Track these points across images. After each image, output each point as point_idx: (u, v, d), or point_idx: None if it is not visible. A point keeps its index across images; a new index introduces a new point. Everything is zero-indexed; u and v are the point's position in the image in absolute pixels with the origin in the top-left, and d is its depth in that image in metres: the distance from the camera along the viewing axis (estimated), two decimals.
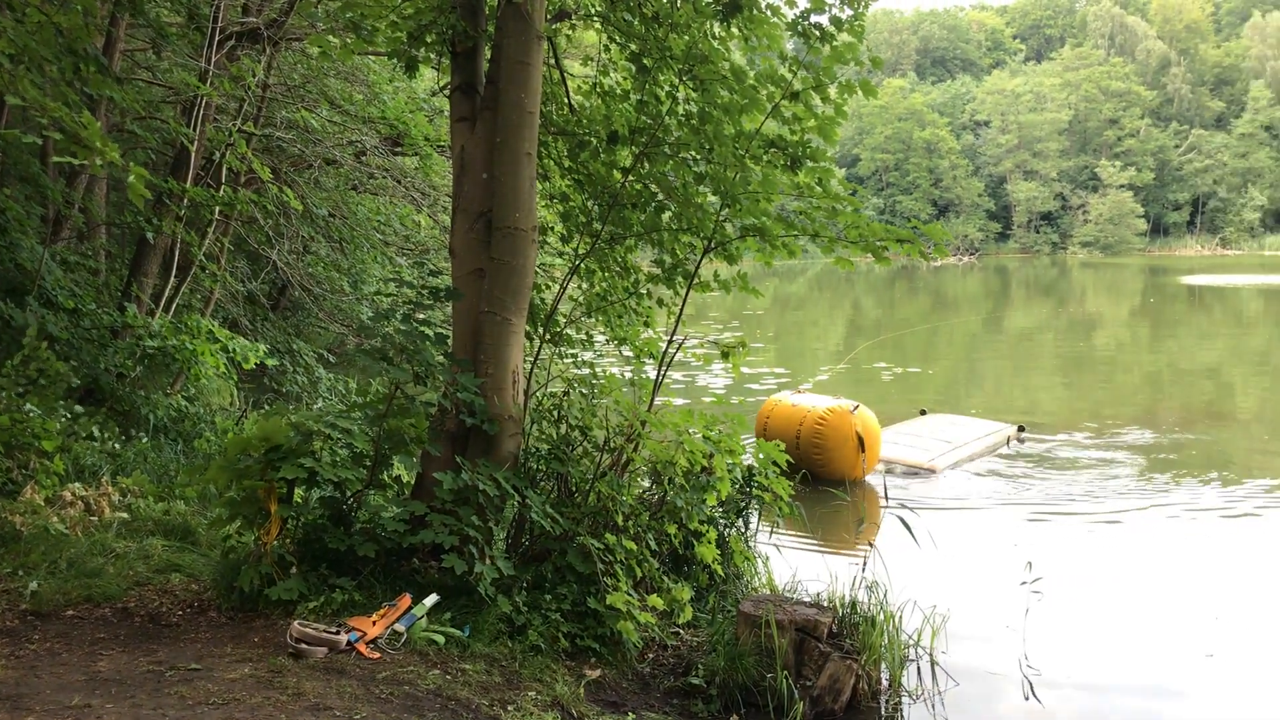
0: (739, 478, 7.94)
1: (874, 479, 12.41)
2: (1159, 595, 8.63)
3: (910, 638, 6.70)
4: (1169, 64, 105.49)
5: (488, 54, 6.95)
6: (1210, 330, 32.61)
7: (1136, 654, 7.41)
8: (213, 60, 10.68)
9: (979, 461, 13.62)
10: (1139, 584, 8.89)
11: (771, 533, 8.60)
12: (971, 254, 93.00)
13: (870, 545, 6.77)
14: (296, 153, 13.39)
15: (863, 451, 11.94)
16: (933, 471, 12.69)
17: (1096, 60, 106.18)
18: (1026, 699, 6.58)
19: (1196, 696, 6.69)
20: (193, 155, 11.03)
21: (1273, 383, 21.71)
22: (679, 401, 17.10)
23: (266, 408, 11.98)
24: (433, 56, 7.26)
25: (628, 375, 8.42)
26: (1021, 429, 15.00)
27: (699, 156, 7.27)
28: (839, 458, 12.03)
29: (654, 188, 7.62)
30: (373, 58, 12.87)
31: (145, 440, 9.69)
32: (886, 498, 7.89)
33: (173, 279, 11.58)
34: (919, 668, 6.70)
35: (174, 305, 11.61)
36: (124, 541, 6.95)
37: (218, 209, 11.45)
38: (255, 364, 10.42)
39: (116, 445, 9.21)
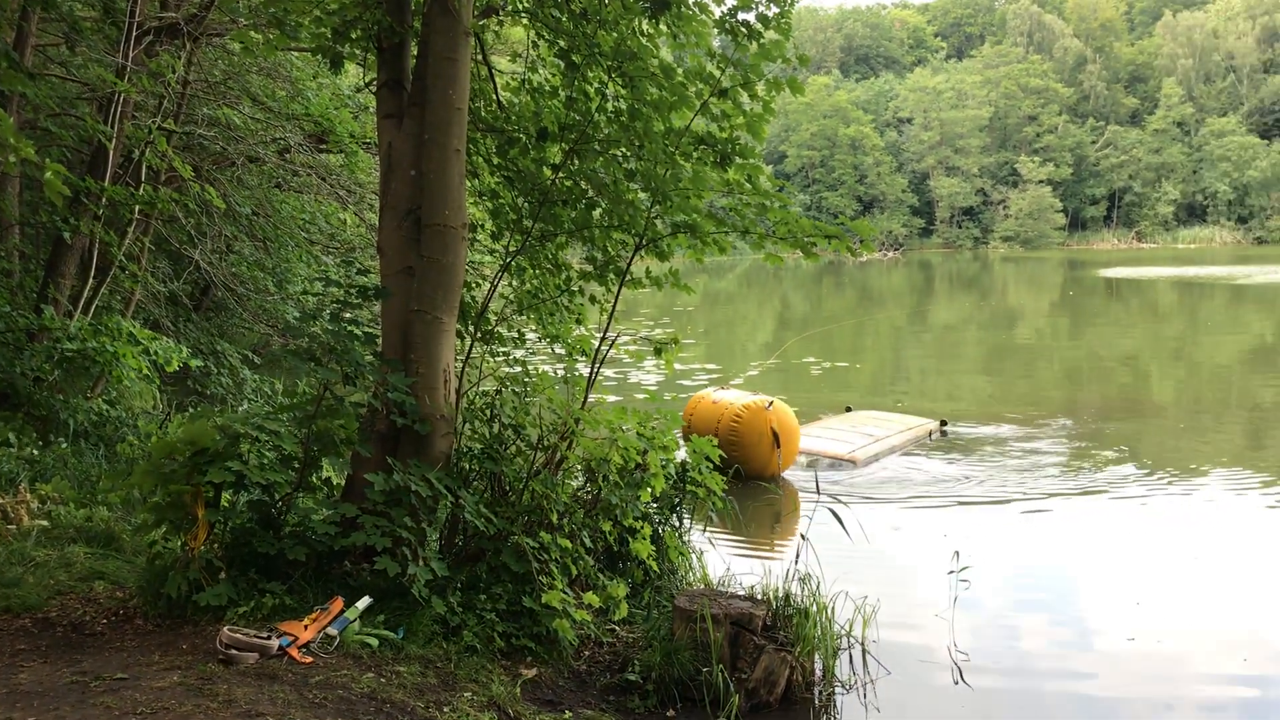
0: (673, 474, 7.97)
1: (804, 474, 12.55)
2: (1082, 581, 8.84)
3: (842, 628, 6.79)
4: (1085, 61, 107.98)
5: (415, 50, 6.88)
6: (1127, 321, 33.47)
7: (1061, 638, 7.59)
8: (130, 56, 10.42)
9: (906, 455, 13.82)
10: (1063, 571, 9.11)
11: (705, 529, 8.64)
12: (896, 249, 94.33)
13: (802, 538, 6.83)
14: (218, 150, 13.13)
15: (778, 447, 12.04)
16: (853, 463, 12.84)
17: (1015, 58, 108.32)
18: (955, 684, 6.70)
19: (1118, 678, 6.86)
20: (111, 153, 10.76)
21: (1188, 372, 22.36)
22: (612, 399, 17.12)
23: (191, 410, 11.74)
24: (358, 53, 7.17)
25: (559, 373, 8.40)
26: (944, 423, 15.24)
27: (629, 153, 7.28)
28: (755, 454, 12.13)
29: (584, 184, 7.61)
30: (296, 54, 12.67)
31: (65, 445, 9.44)
32: (819, 491, 7.96)
33: (91, 280, 11.28)
34: (851, 657, 6.79)
35: (93, 307, 11.32)
36: (44, 550, 6.77)
37: (137, 208, 11.18)
38: (178, 366, 10.20)
39: (34, 451, 8.96)
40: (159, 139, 11.02)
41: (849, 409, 15.97)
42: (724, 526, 9.55)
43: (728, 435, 12.13)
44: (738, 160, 6.92)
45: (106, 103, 11.01)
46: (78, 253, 11.25)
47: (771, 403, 12.37)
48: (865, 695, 6.46)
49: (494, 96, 8.18)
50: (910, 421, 15.00)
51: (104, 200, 10.62)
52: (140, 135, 11.14)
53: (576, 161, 7.40)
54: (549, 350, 8.88)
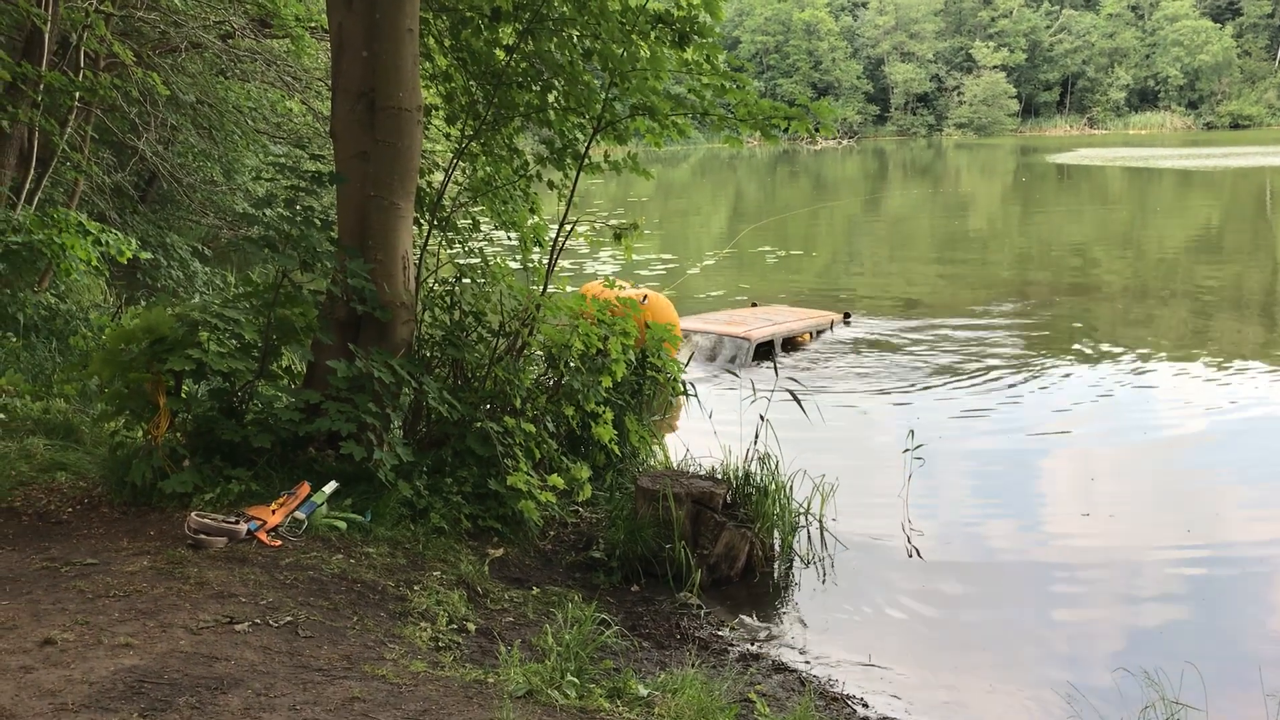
0: (633, 360, 8.03)
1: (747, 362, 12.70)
2: (1037, 459, 9.09)
3: (801, 506, 6.96)
4: None
5: None
6: (1077, 207, 33.72)
7: (1015, 513, 7.84)
8: None
9: (864, 340, 14.01)
10: (1017, 450, 9.33)
11: (665, 413, 8.75)
12: (850, 137, 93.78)
13: (761, 418, 6.94)
14: (159, 35, 12.69)
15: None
16: (747, 340, 12.98)
17: None
18: (910, 557, 6.93)
19: (1070, 549, 7.11)
20: (46, 37, 10.37)
21: (1136, 256, 22.66)
22: (570, 289, 17.06)
23: (143, 304, 11.58)
24: None
25: (514, 265, 8.35)
26: (847, 315, 15.34)
27: (585, 33, 7.14)
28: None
29: (539, 66, 7.47)
30: None
31: (15, 340, 9.30)
32: (776, 374, 8.06)
33: (33, 171, 10.97)
34: (809, 534, 6.98)
35: (36, 199, 11.04)
36: (3, 442, 6.72)
37: (77, 95, 10.84)
38: (131, 257, 10.01)
39: None
40: (97, 22, 10.62)
41: (754, 304, 15.94)
42: (685, 410, 9.67)
43: None
44: (696, 39, 6.82)
45: None
46: (17, 143, 10.91)
47: (645, 297, 12.16)
48: (823, 570, 6.67)
49: None
50: (811, 313, 15.09)
51: (41, 87, 10.27)
52: (77, 18, 10.73)
53: (530, 42, 7.26)
54: (506, 239, 8.83)
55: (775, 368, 8.29)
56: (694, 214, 36.68)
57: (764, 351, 13.11)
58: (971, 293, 17.81)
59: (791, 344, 13.80)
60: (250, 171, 16.08)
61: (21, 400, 7.60)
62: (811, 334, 14.19)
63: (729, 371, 11.88)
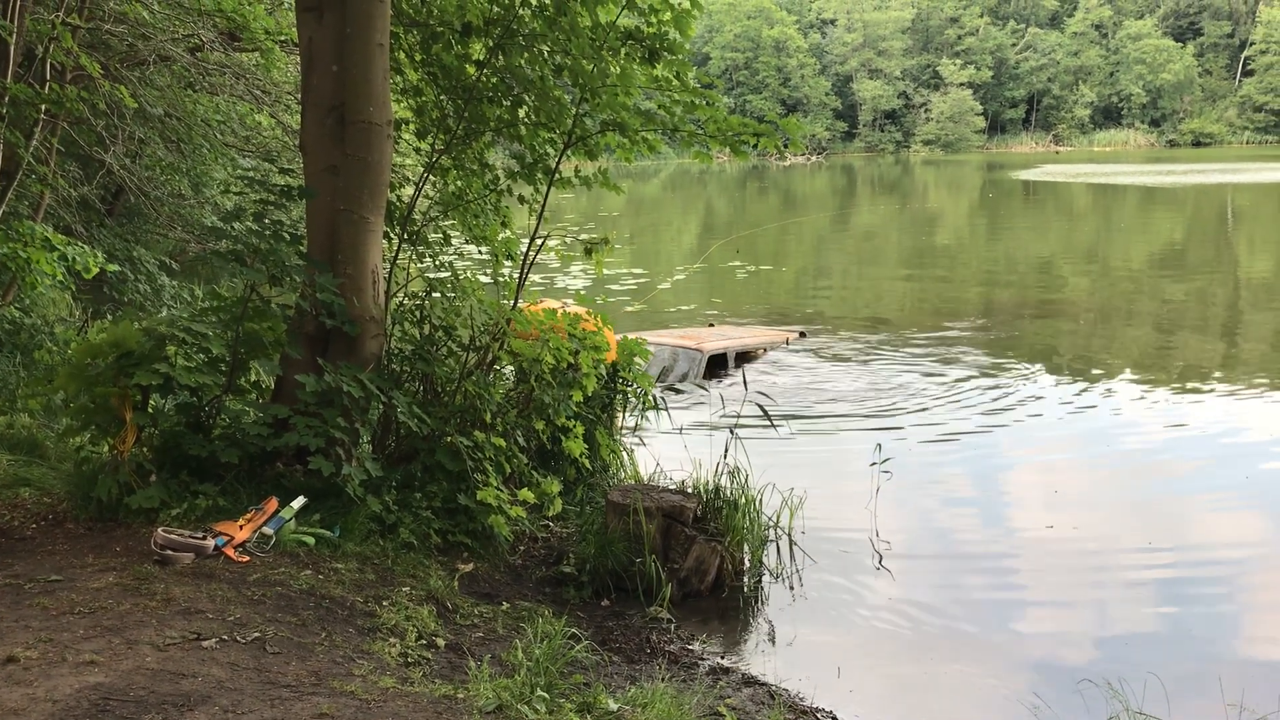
0: (604, 374, 8.04)
1: (732, 377, 12.74)
2: (1002, 473, 9.17)
3: (770, 519, 6.99)
4: None
5: None
6: (1043, 224, 34.08)
7: (981, 526, 7.90)
8: None
9: (831, 355, 14.09)
10: (983, 464, 9.41)
11: (636, 426, 8.76)
12: (819, 153, 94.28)
13: (730, 433, 6.97)
14: (127, 47, 12.60)
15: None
16: (699, 351, 13.10)
17: None
18: (878, 569, 6.96)
19: (1034, 561, 7.18)
20: (11, 49, 10.27)
21: (1101, 271, 22.91)
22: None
23: (110, 318, 11.48)
24: None
25: (486, 277, 8.35)
26: (802, 333, 15.47)
27: (555, 49, 7.17)
28: None
29: (510, 81, 7.49)
30: None
31: None
32: (746, 387, 8.10)
33: None
34: (779, 547, 7.02)
35: (0, 211, 10.91)
36: None
37: (44, 107, 10.73)
38: (96, 271, 9.92)
39: None
40: (63, 34, 10.53)
41: (711, 324, 16.05)
42: (654, 425, 9.69)
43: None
44: (666, 56, 6.85)
45: None
46: None
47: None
48: (792, 585, 6.70)
49: None
50: (768, 331, 15.25)
51: (6, 99, 10.17)
52: (43, 30, 10.64)
53: (501, 57, 7.28)
54: (476, 254, 8.83)
55: (744, 382, 8.32)
56: (664, 228, 36.79)
57: (718, 367, 13.26)
58: (938, 308, 17.95)
59: (745, 358, 13.89)
60: (219, 185, 15.96)
61: None
62: (766, 349, 14.32)
63: (674, 389, 11.96)
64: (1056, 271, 23.05)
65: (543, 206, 7.53)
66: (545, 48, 7.25)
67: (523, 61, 7.28)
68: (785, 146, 7.11)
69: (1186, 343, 14.79)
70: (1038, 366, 13.18)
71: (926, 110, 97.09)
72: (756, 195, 53.09)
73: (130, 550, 5.25)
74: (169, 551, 5.09)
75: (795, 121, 6.80)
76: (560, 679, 4.40)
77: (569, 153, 7.37)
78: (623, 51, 6.96)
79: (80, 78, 11.51)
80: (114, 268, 11.00)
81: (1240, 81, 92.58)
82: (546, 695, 4.11)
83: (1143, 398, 11.64)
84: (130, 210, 16.61)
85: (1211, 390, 11.79)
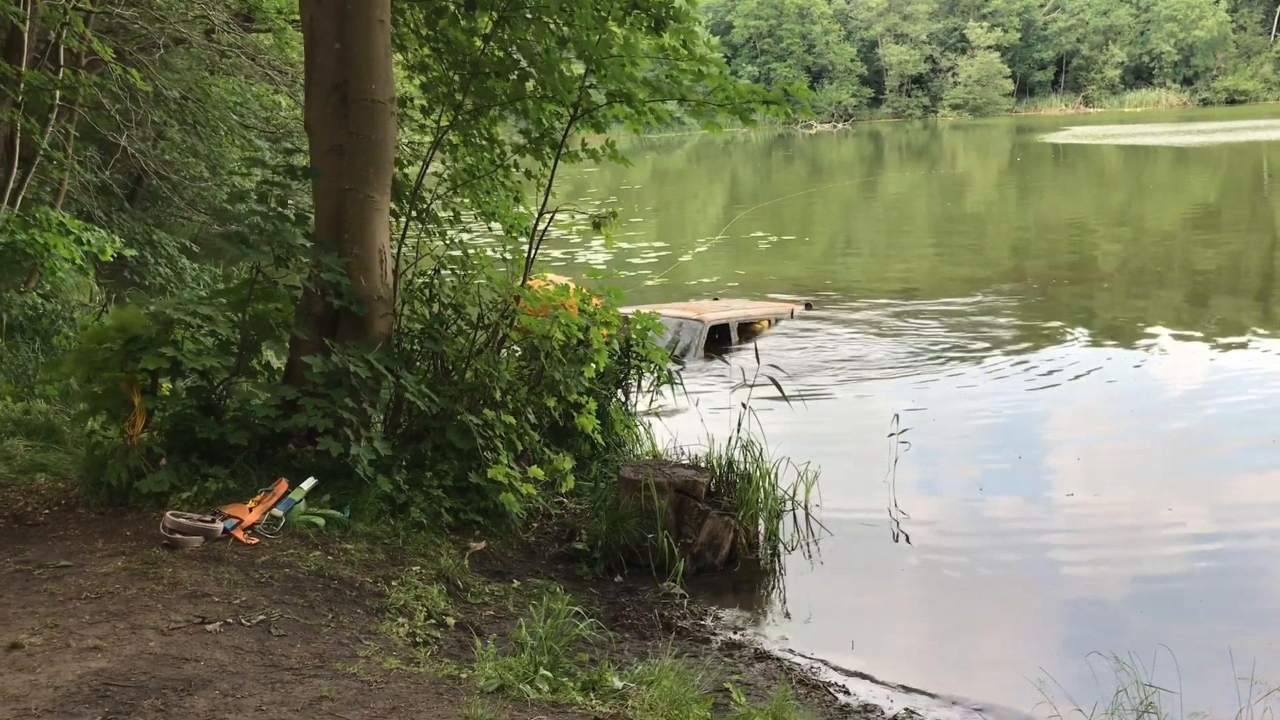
0: (616, 349, 7.99)
1: (744, 347, 12.66)
2: (1023, 441, 9.04)
3: (785, 492, 6.92)
4: None
5: None
6: (1073, 188, 33.61)
7: (1001, 495, 7.79)
8: None
9: (853, 323, 13.97)
10: (1003, 434, 9.27)
11: (651, 401, 8.70)
12: (845, 120, 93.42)
13: (743, 406, 6.90)
14: (140, 31, 12.61)
15: None
16: (700, 321, 13.02)
17: None
18: (895, 540, 6.89)
19: (1054, 531, 7.08)
20: (25, 36, 10.31)
21: (1133, 235, 22.53)
22: (562, 280, 16.99)
23: (129, 301, 11.54)
24: None
25: (499, 253, 8.29)
26: (809, 304, 15.28)
27: (560, 20, 7.07)
28: None
29: (516, 55, 7.40)
30: None
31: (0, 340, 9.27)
32: (758, 360, 8.02)
33: (16, 170, 10.91)
34: (795, 519, 6.96)
35: (20, 199, 10.98)
36: None
37: (59, 93, 10.77)
38: (112, 256, 9.96)
39: None
40: (76, 20, 10.54)
41: (716, 298, 15.89)
42: (670, 399, 9.64)
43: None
44: (671, 24, 6.75)
45: None
46: (0, 142, 10.86)
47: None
48: (809, 554, 6.64)
49: None
50: (773, 304, 15.09)
51: (22, 86, 10.21)
52: (56, 16, 10.66)
53: (507, 30, 7.19)
54: (488, 229, 8.78)
55: (757, 354, 8.24)
56: (689, 200, 36.60)
57: (723, 341, 13.18)
58: (967, 274, 17.74)
59: (748, 330, 13.76)
60: (239, 166, 16.00)
61: (3, 401, 7.57)
62: (770, 321, 14.16)
63: (677, 359, 11.88)
64: (1088, 235, 22.69)
65: (550, 181, 7.46)
66: (550, 19, 7.16)
67: (528, 34, 7.20)
68: (795, 112, 6.99)
69: (1221, 306, 14.54)
70: (1065, 332, 13.00)
71: (954, 74, 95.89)
72: (782, 164, 52.74)
73: (140, 534, 5.27)
74: (178, 535, 5.10)
75: (804, 87, 6.68)
76: (566, 657, 4.36)
77: (576, 125, 7.28)
78: (627, 21, 6.86)
79: (95, 63, 11.54)
80: (131, 252, 11.06)
81: (1276, 37, 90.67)
82: (550, 674, 4.08)
83: (1170, 365, 11.44)
84: (151, 195, 16.68)
85: (1244, 356, 11.57)
